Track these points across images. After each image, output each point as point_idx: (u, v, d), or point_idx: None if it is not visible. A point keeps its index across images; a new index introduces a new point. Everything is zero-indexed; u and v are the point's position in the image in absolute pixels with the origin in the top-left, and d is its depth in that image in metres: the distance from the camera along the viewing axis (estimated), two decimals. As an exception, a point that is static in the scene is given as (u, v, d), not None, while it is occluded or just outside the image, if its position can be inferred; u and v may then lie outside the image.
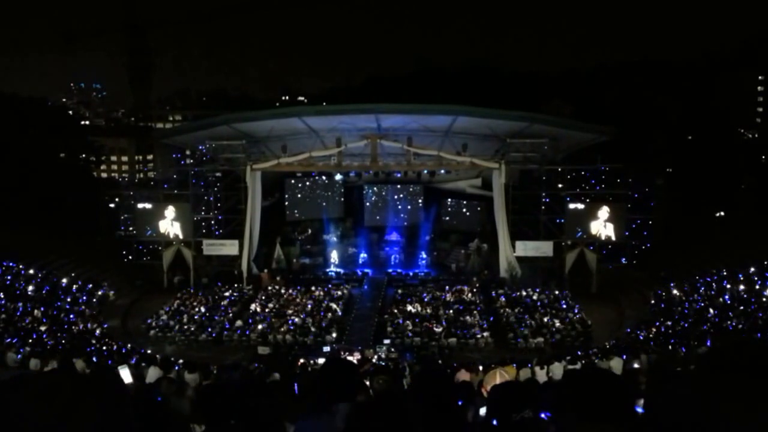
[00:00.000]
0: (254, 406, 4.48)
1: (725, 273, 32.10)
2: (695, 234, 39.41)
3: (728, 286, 30.81)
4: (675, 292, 33.54)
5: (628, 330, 31.17)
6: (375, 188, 47.02)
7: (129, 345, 29.39)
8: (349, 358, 25.95)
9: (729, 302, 29.24)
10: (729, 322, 26.78)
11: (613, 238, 38.84)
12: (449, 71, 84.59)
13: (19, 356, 23.05)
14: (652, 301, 34.40)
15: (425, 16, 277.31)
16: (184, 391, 8.20)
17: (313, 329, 31.94)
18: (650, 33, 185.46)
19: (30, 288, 32.97)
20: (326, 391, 3.81)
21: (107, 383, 2.57)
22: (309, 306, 35.10)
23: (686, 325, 28.69)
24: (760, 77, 75.60)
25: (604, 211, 38.49)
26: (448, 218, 46.27)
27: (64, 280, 35.73)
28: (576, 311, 34.02)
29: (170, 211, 40.25)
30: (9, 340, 24.86)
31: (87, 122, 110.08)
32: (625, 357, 22.47)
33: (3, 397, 1.64)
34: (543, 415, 3.83)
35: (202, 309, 35.05)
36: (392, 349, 29.21)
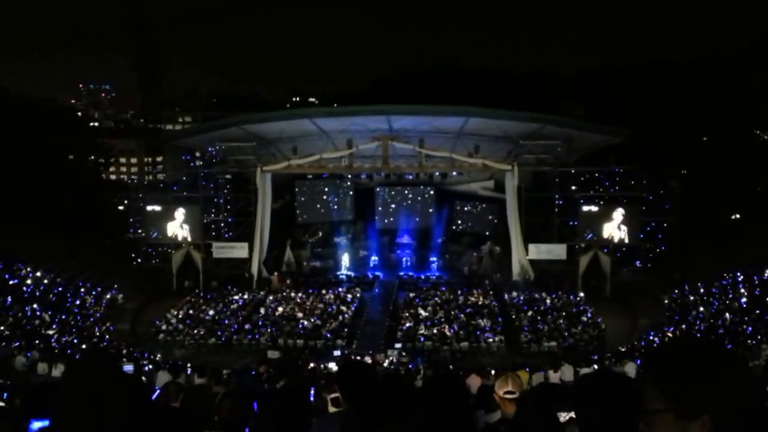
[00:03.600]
0: (269, 411, 4.33)
1: (741, 276, 31.59)
2: (710, 237, 38.83)
3: (743, 290, 30.34)
4: (690, 296, 33.08)
5: (643, 335, 30.73)
6: (386, 190, 46.55)
7: (138, 349, 29.23)
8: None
9: (745, 306, 28.80)
10: (744, 327, 26.40)
11: (627, 241, 38.36)
12: (460, 72, 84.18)
13: (27, 360, 22.92)
14: (667, 305, 33.92)
15: (437, 17, 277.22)
16: (199, 395, 7.93)
17: (323, 333, 31.68)
18: (664, 33, 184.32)
19: (38, 291, 32.82)
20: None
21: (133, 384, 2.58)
22: (319, 309, 34.84)
23: (701, 329, 28.29)
24: (776, 78, 74.53)
25: (618, 214, 38.00)
26: (460, 221, 45.85)
27: (72, 284, 35.57)
28: (589, 315, 33.63)
29: (180, 214, 39.98)
30: (17, 343, 24.75)
31: (96, 123, 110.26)
32: (639, 362, 22.12)
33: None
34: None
35: (212, 312, 34.85)
36: (403, 353, 29.07)
